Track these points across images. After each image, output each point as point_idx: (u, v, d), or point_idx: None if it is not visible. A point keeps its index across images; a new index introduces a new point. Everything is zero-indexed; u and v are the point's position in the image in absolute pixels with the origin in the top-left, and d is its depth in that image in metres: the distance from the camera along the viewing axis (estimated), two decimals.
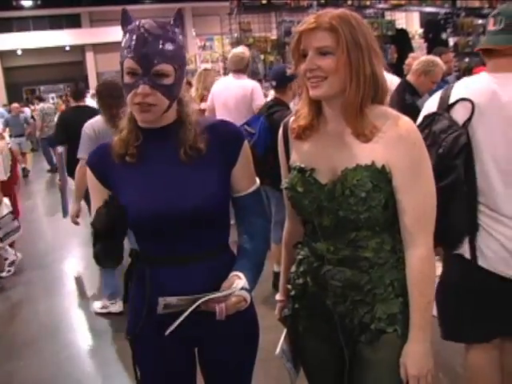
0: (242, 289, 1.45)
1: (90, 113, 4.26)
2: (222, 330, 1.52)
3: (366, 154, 1.46)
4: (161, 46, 1.43)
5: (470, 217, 1.95)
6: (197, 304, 1.37)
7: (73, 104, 5.35)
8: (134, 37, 1.43)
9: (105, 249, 1.51)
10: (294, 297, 1.67)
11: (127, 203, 1.52)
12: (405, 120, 1.48)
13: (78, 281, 5.06)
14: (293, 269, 1.69)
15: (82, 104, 5.19)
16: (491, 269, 1.94)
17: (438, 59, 4.47)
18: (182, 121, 1.55)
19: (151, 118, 1.49)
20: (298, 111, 1.60)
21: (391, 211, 1.48)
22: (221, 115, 4.92)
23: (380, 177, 1.44)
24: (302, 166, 1.55)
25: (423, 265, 1.47)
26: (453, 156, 1.86)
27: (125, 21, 1.49)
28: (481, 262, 1.96)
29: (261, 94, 4.90)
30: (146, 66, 1.42)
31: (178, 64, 1.48)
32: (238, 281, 1.47)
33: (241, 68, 4.97)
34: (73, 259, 5.74)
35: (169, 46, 1.44)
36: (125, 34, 1.47)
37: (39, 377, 3.38)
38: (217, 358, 1.66)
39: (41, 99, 13.84)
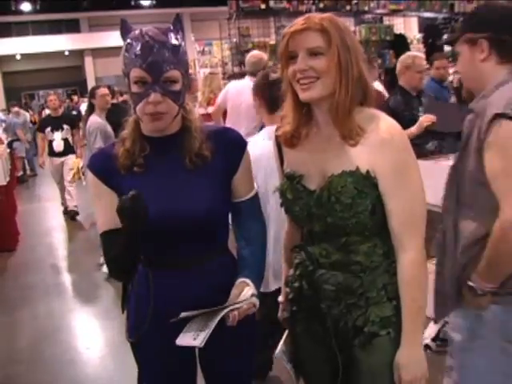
0: (252, 295, 1.48)
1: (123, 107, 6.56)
2: (223, 332, 1.52)
3: (351, 159, 1.45)
4: (168, 53, 1.43)
5: None
6: (220, 317, 1.39)
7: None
8: (140, 45, 1.42)
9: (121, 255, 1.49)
10: (291, 300, 1.68)
11: None
12: (389, 123, 1.46)
13: (78, 284, 5.06)
14: (290, 272, 1.70)
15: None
16: None
17: (414, 53, 4.70)
18: (187, 129, 1.56)
19: (162, 126, 1.49)
20: (282, 117, 1.57)
21: (380, 216, 1.47)
22: (234, 116, 4.89)
23: (365, 182, 1.43)
24: (291, 172, 1.55)
25: (413, 269, 1.46)
26: None
27: (124, 30, 1.49)
28: None
29: None
30: (155, 73, 1.42)
31: (184, 69, 1.49)
32: (247, 288, 1.50)
33: (259, 70, 4.92)
34: (73, 263, 5.74)
35: (175, 52, 1.45)
36: (127, 43, 1.46)
37: (40, 380, 3.38)
38: (218, 359, 1.67)
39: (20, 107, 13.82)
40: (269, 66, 7.77)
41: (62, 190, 7.42)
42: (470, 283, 1.67)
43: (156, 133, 1.54)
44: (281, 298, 1.83)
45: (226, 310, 1.41)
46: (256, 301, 1.49)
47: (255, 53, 5.07)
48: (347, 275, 1.51)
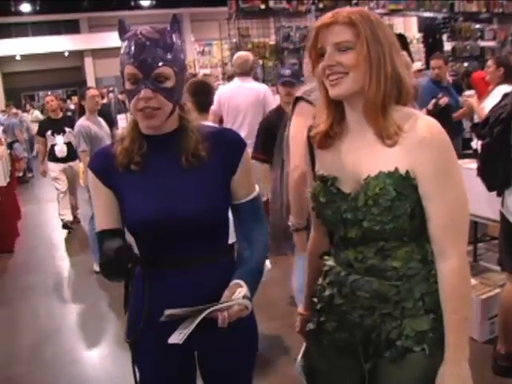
0: (244, 297, 1.46)
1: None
2: (222, 335, 1.52)
3: (389, 159, 1.36)
4: (159, 50, 1.44)
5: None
6: (202, 316, 1.38)
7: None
8: (133, 43, 1.45)
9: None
10: (319, 310, 1.58)
11: (130, 208, 1.54)
12: (430, 122, 1.37)
13: (79, 285, 5.06)
14: (319, 281, 1.60)
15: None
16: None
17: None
18: (184, 128, 1.56)
19: (156, 123, 1.49)
20: (316, 117, 1.50)
21: (419, 220, 1.38)
22: (231, 120, 4.91)
23: (404, 184, 1.34)
24: (325, 174, 1.48)
25: (454, 278, 1.37)
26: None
27: (122, 30, 1.51)
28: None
29: (272, 99, 4.86)
30: (146, 70, 1.43)
31: (178, 67, 1.49)
32: (240, 289, 1.48)
33: (246, 70, 4.93)
34: (73, 264, 5.74)
35: (167, 50, 1.46)
36: (123, 42, 1.49)
37: (41, 381, 3.39)
38: (216, 363, 1.67)
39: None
40: (268, 65, 7.78)
41: (64, 193, 6.65)
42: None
43: (153, 131, 1.54)
44: (300, 309, 1.74)
45: (209, 309, 1.38)
46: (248, 303, 1.45)
47: (242, 54, 5.10)
48: (382, 282, 1.41)
